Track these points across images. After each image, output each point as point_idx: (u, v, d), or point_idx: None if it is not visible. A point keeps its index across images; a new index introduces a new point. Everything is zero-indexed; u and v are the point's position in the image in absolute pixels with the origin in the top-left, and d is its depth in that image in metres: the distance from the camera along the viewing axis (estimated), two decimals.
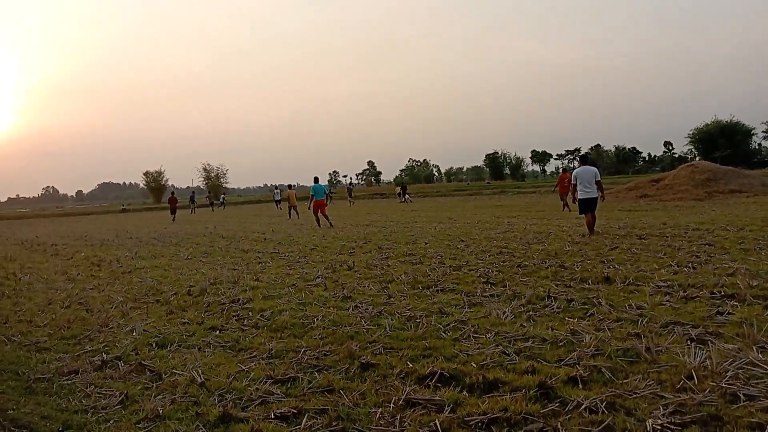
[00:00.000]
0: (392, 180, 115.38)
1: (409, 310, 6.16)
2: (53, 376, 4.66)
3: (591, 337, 4.70)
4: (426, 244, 12.38)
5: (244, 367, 4.56)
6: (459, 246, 11.61)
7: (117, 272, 10.82)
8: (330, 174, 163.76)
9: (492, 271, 8.24)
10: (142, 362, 4.82)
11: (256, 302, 7.03)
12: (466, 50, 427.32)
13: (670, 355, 4.22)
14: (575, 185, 12.47)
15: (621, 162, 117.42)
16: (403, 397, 3.73)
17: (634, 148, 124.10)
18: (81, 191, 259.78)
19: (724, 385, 3.58)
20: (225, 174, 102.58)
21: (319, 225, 19.75)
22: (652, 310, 5.52)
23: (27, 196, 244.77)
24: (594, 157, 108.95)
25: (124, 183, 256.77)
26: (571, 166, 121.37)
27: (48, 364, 5.01)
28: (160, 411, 3.74)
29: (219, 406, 3.77)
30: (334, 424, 3.44)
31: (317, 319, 5.94)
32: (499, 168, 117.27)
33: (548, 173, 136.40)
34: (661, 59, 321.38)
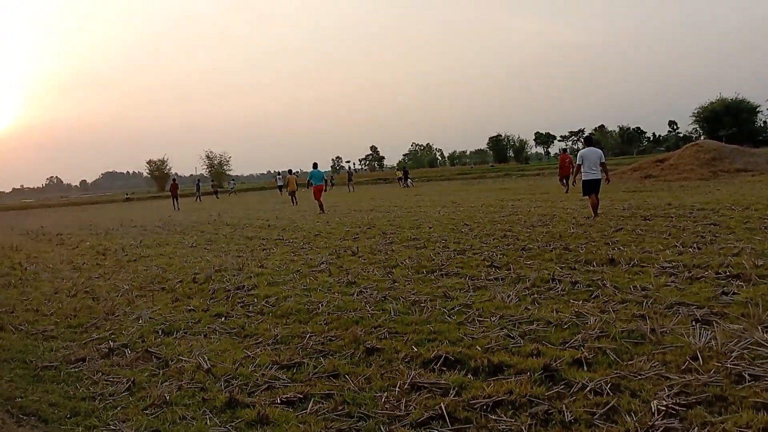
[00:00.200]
0: (395, 165, 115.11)
1: (413, 294, 6.16)
2: (60, 364, 4.69)
3: (596, 319, 4.70)
4: (430, 228, 12.37)
5: (249, 353, 4.59)
6: (463, 230, 11.59)
7: (122, 261, 10.86)
8: (333, 159, 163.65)
9: (496, 255, 8.23)
10: (149, 349, 4.85)
11: (261, 289, 7.06)
12: (469, 31, 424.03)
13: (675, 336, 4.22)
14: (579, 165, 12.40)
15: (625, 142, 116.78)
16: (409, 381, 3.75)
17: (638, 128, 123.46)
18: (85, 181, 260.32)
19: (729, 365, 3.58)
20: (228, 161, 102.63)
21: (323, 211, 19.79)
22: (657, 291, 5.51)
23: (31, 187, 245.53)
24: (598, 138, 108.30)
25: (128, 172, 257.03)
26: (576, 147, 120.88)
27: (55, 353, 5.04)
28: (167, 397, 3.76)
29: (225, 392, 3.80)
30: (340, 408, 3.46)
31: (322, 305, 5.96)
32: (502, 151, 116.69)
33: (552, 155, 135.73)
34: (664, 37, 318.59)
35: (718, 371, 3.52)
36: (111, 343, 5.13)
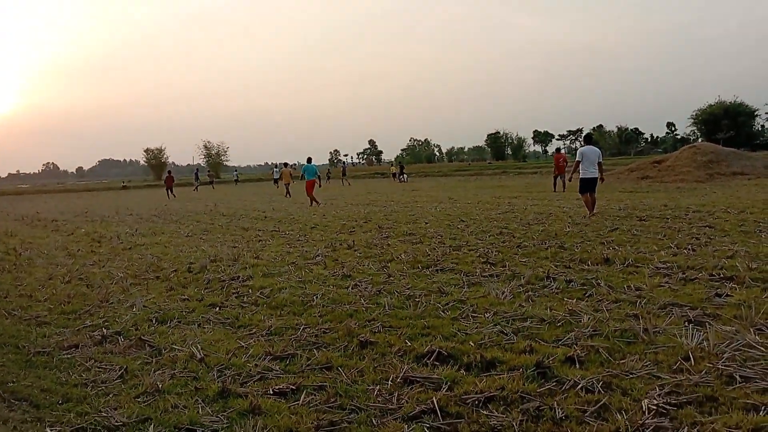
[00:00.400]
0: (392, 160, 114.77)
1: (408, 289, 6.17)
2: (53, 350, 4.69)
3: (589, 318, 4.72)
4: (426, 223, 12.38)
5: (243, 344, 4.59)
6: (459, 226, 11.61)
7: (117, 248, 10.84)
8: (330, 153, 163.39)
9: (492, 252, 8.24)
10: (142, 337, 4.85)
11: (256, 280, 7.05)
12: (469, 28, 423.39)
13: (667, 336, 4.24)
14: (579, 162, 12.42)
15: (623, 143, 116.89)
16: (401, 374, 3.75)
17: (636, 129, 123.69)
18: (81, 168, 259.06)
19: (720, 366, 3.59)
20: (225, 152, 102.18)
21: (318, 203, 19.84)
22: (651, 292, 5.53)
23: (27, 172, 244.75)
24: (596, 137, 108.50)
25: (125, 160, 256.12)
26: (574, 147, 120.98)
27: (48, 338, 5.03)
28: (160, 385, 3.76)
29: (218, 382, 3.80)
30: (332, 400, 3.47)
31: (317, 297, 5.96)
32: (500, 148, 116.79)
33: (550, 154, 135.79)
34: (665, 39, 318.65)
35: (710, 372, 3.54)
36: (104, 331, 5.12)
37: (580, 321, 4.68)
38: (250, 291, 6.47)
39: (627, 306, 5.11)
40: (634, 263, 6.90)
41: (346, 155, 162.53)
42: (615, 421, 2.99)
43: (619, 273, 6.46)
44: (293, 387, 3.67)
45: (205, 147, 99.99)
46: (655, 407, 3.09)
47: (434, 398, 3.36)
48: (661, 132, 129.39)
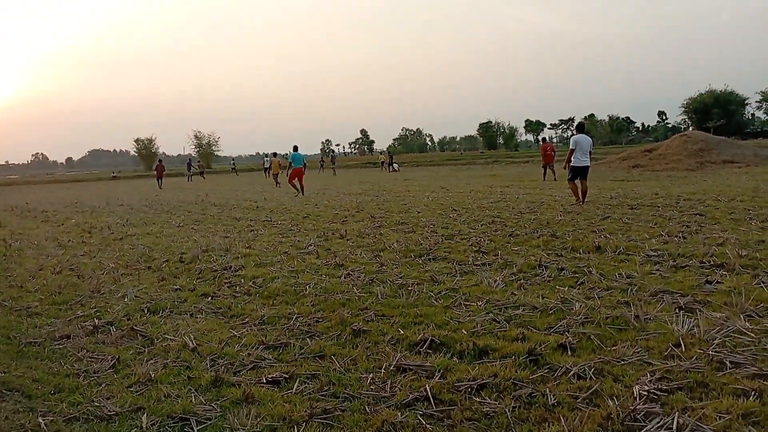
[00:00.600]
0: (380, 149, 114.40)
1: (401, 278, 6.18)
2: (45, 341, 4.66)
3: (581, 305, 4.74)
4: (419, 213, 12.38)
5: (236, 333, 4.58)
6: (451, 215, 11.62)
7: (108, 239, 10.78)
8: (322, 143, 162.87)
9: (484, 240, 8.26)
10: (134, 327, 4.83)
11: (248, 269, 7.04)
12: (461, 17, 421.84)
13: (658, 323, 4.27)
14: (573, 150, 12.51)
15: (614, 132, 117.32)
16: (394, 363, 3.76)
17: (627, 117, 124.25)
18: (71, 158, 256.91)
19: (710, 352, 3.62)
20: (217, 142, 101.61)
21: (297, 190, 20.15)
22: (642, 279, 5.56)
23: (16, 163, 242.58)
24: (588, 126, 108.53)
25: (115, 150, 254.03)
26: (565, 136, 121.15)
27: (39, 329, 5.00)
28: (152, 375, 3.75)
29: (211, 371, 3.79)
30: (325, 388, 3.47)
31: (309, 287, 5.96)
32: (492, 137, 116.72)
33: (541, 143, 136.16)
34: (656, 27, 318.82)
35: (700, 358, 3.57)
36: (96, 321, 5.09)
37: (572, 308, 4.71)
38: (243, 281, 6.45)
39: (618, 293, 5.14)
40: (625, 251, 6.93)
41: (338, 145, 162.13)
42: (606, 407, 3.02)
43: (610, 261, 6.50)
44: (286, 376, 3.67)
45: (196, 137, 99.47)
46: (646, 393, 3.11)
47: (427, 386, 3.37)
48: (652, 121, 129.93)
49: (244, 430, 3.01)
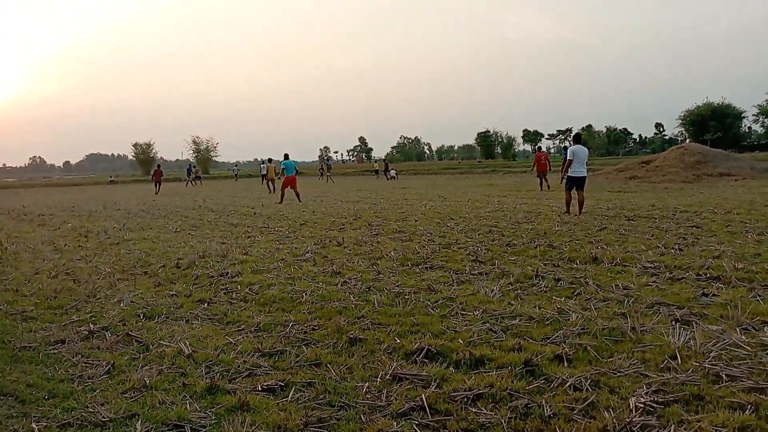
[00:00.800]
0: (376, 157, 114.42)
1: (397, 286, 6.17)
2: (39, 345, 4.64)
3: (577, 316, 4.74)
4: (416, 221, 12.39)
5: (231, 340, 4.57)
6: (449, 224, 11.63)
7: (105, 243, 10.75)
8: (321, 150, 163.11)
9: (481, 250, 8.26)
10: (129, 333, 4.81)
11: (244, 276, 7.02)
12: (460, 26, 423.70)
13: (654, 335, 4.27)
14: (570, 161, 12.57)
15: (612, 143, 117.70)
16: (390, 372, 3.75)
17: (625, 129, 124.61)
18: (69, 162, 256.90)
19: (707, 365, 3.62)
20: (215, 147, 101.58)
21: (281, 201, 20.06)
22: (639, 291, 5.56)
23: (14, 166, 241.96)
24: (585, 137, 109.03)
25: (113, 154, 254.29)
26: (563, 146, 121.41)
27: (34, 333, 4.98)
28: (147, 381, 3.74)
29: (206, 378, 3.78)
30: (321, 397, 3.46)
31: (306, 294, 5.95)
32: (490, 147, 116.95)
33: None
34: (654, 40, 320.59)
35: (696, 371, 3.57)
36: (91, 326, 5.07)
37: (569, 319, 4.71)
38: (239, 287, 6.44)
39: (615, 305, 5.14)
40: (622, 262, 6.94)
41: (336, 152, 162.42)
42: (603, 419, 3.01)
43: (607, 272, 6.50)
44: (282, 384, 3.66)
45: (194, 142, 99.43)
46: (642, 405, 3.11)
47: (423, 395, 3.36)
48: (649, 132, 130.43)
49: None
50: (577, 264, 7.00)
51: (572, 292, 5.69)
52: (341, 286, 6.32)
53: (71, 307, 5.88)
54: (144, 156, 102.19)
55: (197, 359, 4.16)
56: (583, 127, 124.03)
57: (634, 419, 2.95)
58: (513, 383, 3.50)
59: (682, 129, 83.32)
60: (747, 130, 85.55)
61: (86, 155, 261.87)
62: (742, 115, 77.47)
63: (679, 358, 3.78)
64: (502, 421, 3.06)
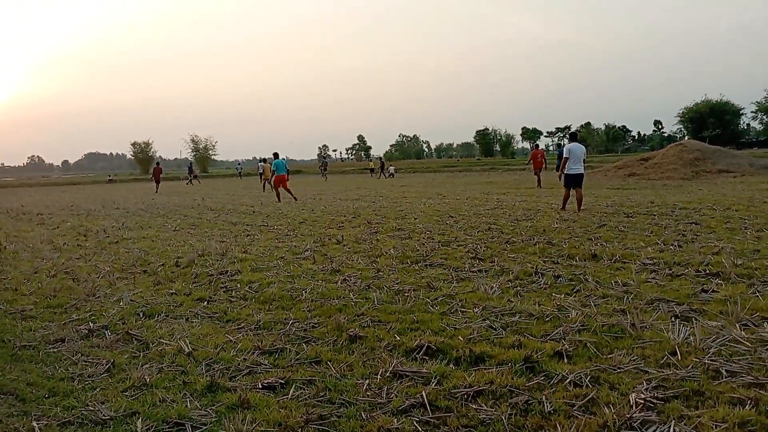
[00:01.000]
0: (372, 156, 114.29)
1: (397, 284, 6.17)
2: (39, 344, 4.64)
3: (577, 313, 4.75)
4: (415, 219, 12.39)
5: (231, 338, 4.57)
6: (448, 222, 11.63)
7: (104, 242, 10.75)
8: (319, 148, 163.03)
9: (480, 247, 8.26)
10: (129, 331, 4.81)
11: (244, 274, 7.02)
12: (459, 24, 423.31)
13: (654, 331, 4.27)
14: (567, 159, 12.60)
15: (611, 140, 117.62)
16: (391, 369, 3.75)
17: (624, 126, 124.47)
18: (67, 161, 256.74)
19: (707, 361, 3.63)
20: (214, 146, 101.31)
21: (279, 200, 19.99)
22: (638, 287, 5.57)
23: (12, 165, 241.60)
24: (584, 135, 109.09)
25: (111, 153, 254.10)
26: (562, 144, 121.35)
27: (34, 332, 4.98)
28: (147, 380, 3.74)
29: (206, 376, 3.78)
30: (321, 394, 3.46)
31: (305, 292, 5.95)
32: (489, 145, 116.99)
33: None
34: (653, 37, 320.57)
35: (696, 366, 3.58)
36: (91, 325, 5.07)
37: (568, 316, 4.71)
38: (239, 285, 6.44)
39: (614, 301, 5.15)
40: (621, 259, 6.95)
41: (335, 150, 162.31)
42: (603, 414, 3.02)
43: (606, 269, 6.51)
44: (282, 381, 3.66)
45: (193, 141, 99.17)
46: (642, 401, 3.11)
47: (423, 392, 3.37)
48: (648, 130, 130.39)
49: None
50: (576, 261, 7.01)
51: (572, 288, 5.69)
52: (341, 283, 6.32)
53: (71, 306, 5.87)
54: (143, 155, 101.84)
55: (197, 357, 4.16)
56: (582, 125, 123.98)
57: (634, 415, 2.96)
58: (513, 380, 3.50)
59: (681, 126, 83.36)
60: (746, 127, 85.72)
61: (85, 154, 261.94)
62: (741, 112, 77.58)
63: (678, 354, 3.78)
64: (503, 417, 3.06)
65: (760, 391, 3.19)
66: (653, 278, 5.94)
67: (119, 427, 3.15)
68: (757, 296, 5.07)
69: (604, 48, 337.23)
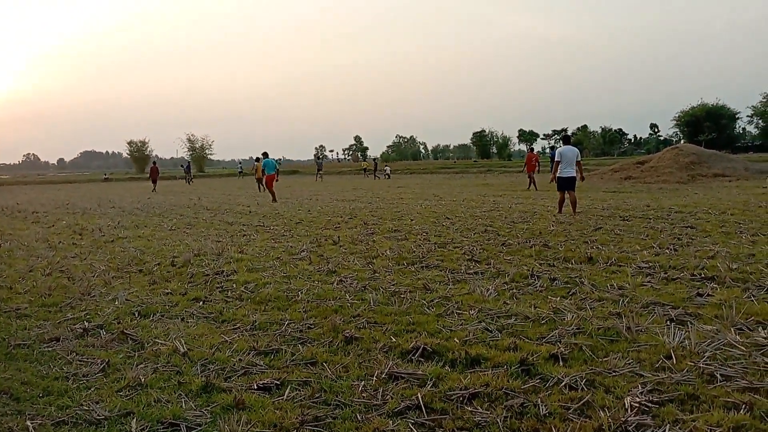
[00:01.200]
0: (378, 156, 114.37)
1: (393, 285, 6.17)
2: (34, 343, 4.62)
3: (573, 316, 4.76)
4: (412, 220, 12.39)
5: (227, 339, 4.56)
6: (444, 223, 11.64)
7: (99, 241, 10.72)
8: (316, 148, 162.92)
9: (476, 249, 8.27)
10: (124, 331, 4.80)
11: (240, 274, 7.01)
12: (456, 25, 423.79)
13: (649, 334, 4.28)
14: (558, 162, 12.64)
15: (607, 143, 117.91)
16: (386, 370, 3.75)
17: (620, 129, 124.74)
18: (63, 159, 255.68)
19: (701, 365, 3.64)
20: (210, 145, 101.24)
21: (274, 200, 19.99)
22: (634, 291, 5.58)
23: (7, 163, 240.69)
24: (581, 137, 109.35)
25: (107, 152, 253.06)
26: (557, 146, 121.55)
27: (29, 331, 4.96)
28: (142, 379, 3.73)
29: (202, 376, 3.77)
30: (317, 395, 3.46)
31: (301, 293, 5.94)
32: (486, 147, 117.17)
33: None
34: (650, 41, 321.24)
35: (691, 370, 3.59)
36: (86, 324, 5.06)
37: (564, 319, 4.72)
38: (235, 286, 6.43)
39: (610, 304, 5.16)
40: (617, 262, 6.97)
41: (331, 151, 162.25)
42: (598, 418, 3.02)
43: (602, 272, 6.52)
44: (278, 382, 3.65)
45: (189, 140, 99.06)
46: (637, 405, 3.12)
47: (419, 394, 3.37)
48: (644, 133, 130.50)
49: None
50: (572, 264, 7.02)
51: (568, 291, 5.70)
52: (337, 284, 6.32)
53: (66, 305, 5.85)
54: (139, 154, 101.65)
55: (192, 357, 4.15)
56: (578, 128, 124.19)
57: (629, 418, 2.96)
58: (508, 382, 3.51)
59: (677, 130, 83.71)
60: (741, 131, 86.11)
61: (80, 152, 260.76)
62: (737, 116, 77.88)
63: (674, 357, 3.79)
64: (498, 420, 3.06)
65: (755, 396, 3.20)
66: (649, 282, 5.96)
67: (114, 427, 3.14)
68: (752, 300, 5.09)
69: (600, 50, 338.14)
